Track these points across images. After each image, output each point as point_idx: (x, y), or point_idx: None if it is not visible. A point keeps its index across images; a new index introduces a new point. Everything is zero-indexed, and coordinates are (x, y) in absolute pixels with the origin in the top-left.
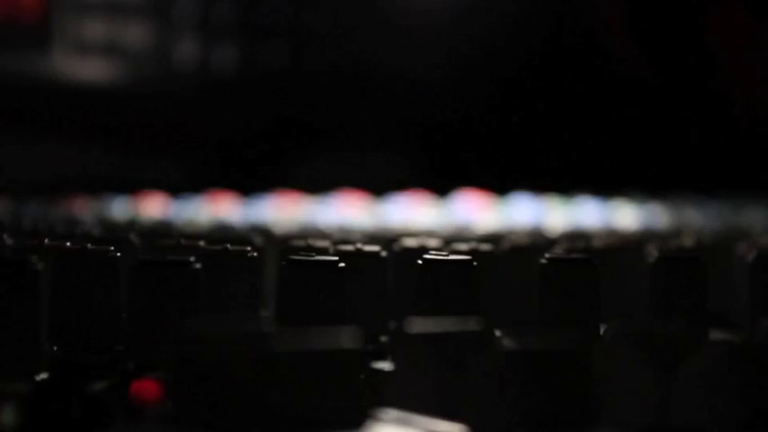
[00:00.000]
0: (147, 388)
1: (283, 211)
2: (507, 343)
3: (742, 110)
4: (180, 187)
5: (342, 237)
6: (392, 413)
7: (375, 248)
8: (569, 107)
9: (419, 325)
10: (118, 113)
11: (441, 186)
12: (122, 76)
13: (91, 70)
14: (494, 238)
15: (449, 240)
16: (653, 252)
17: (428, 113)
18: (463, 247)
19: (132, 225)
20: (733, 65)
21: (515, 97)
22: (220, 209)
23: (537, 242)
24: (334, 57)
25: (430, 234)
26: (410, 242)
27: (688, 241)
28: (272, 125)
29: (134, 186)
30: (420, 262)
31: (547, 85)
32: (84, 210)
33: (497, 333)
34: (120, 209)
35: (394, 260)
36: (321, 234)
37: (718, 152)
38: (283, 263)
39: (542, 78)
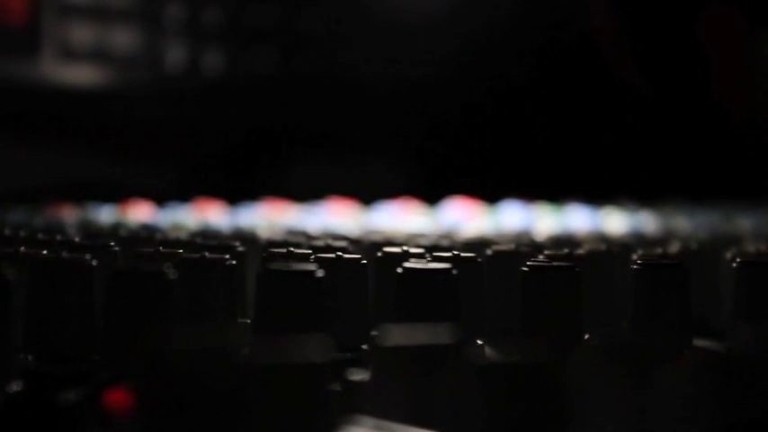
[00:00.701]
0: (119, 398)
1: (270, 218)
2: (487, 353)
3: (736, 116)
4: (167, 195)
5: (325, 244)
6: (368, 421)
7: (356, 256)
8: (561, 115)
9: (396, 334)
10: (106, 118)
11: (431, 195)
12: (111, 81)
13: (79, 75)
14: (478, 244)
15: (433, 247)
16: (638, 259)
17: (418, 121)
18: (446, 253)
19: (115, 232)
20: (727, 71)
21: (507, 105)
22: (207, 216)
23: (521, 248)
24: (323, 63)
25: (414, 240)
26: (393, 249)
27: (674, 248)
28: (262, 132)
29: (121, 194)
30: (399, 270)
31: (539, 93)
32: (69, 217)
33: (478, 342)
34: (105, 216)
35: (376, 267)
36: (304, 241)
37: (710, 159)
38: (259, 272)
39: (534, 86)
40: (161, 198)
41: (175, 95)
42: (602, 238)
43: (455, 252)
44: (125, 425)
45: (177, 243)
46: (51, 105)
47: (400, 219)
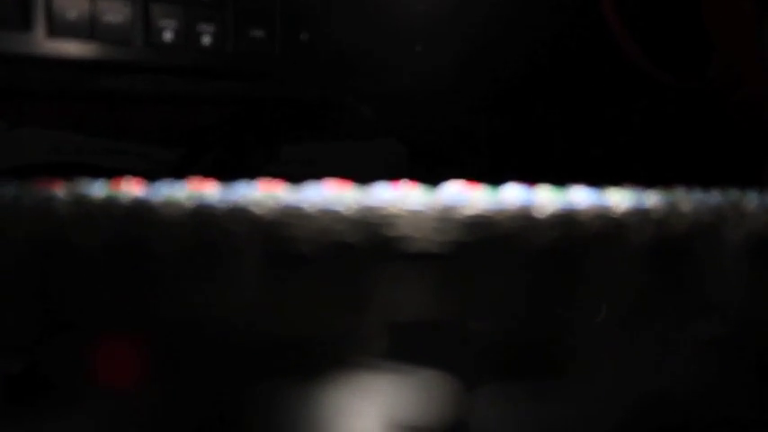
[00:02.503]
0: (117, 361)
1: (266, 196)
2: (479, 331)
3: (741, 102)
4: (159, 172)
5: (324, 226)
6: (379, 362)
7: (356, 240)
8: (563, 95)
9: (395, 317)
10: (98, 93)
11: (429, 177)
12: (103, 55)
13: (71, 49)
14: (479, 225)
15: (433, 228)
16: (644, 239)
17: (416, 102)
18: (446, 236)
19: (108, 211)
20: (734, 57)
21: (508, 86)
22: (201, 194)
23: (524, 230)
24: (321, 38)
25: (414, 222)
26: (393, 232)
27: (681, 228)
28: (257, 108)
29: (113, 171)
30: (402, 252)
31: (543, 75)
32: (60, 194)
33: (475, 324)
34: (98, 193)
35: (376, 251)
36: (304, 222)
37: (716, 140)
38: (261, 260)
39: (539, 67)
40: (153, 175)
41: (169, 70)
42: (605, 217)
43: (456, 233)
44: (124, 396)
45: (173, 223)
46: (43, 80)
47: (397, 200)
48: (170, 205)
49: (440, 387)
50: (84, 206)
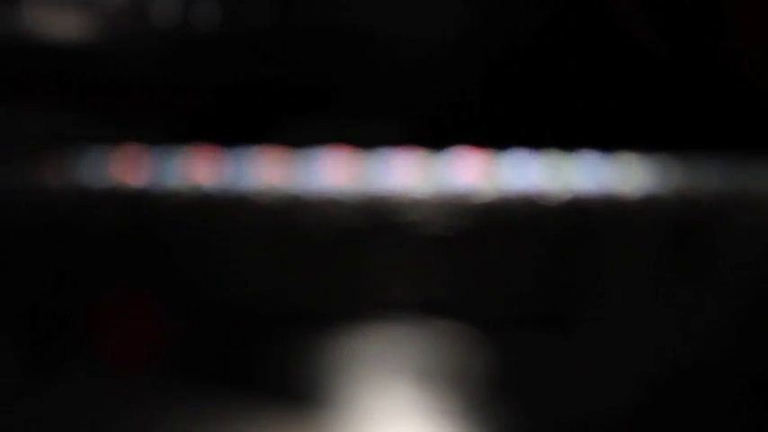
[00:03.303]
0: (126, 335)
1: (267, 177)
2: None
3: (754, 70)
4: (158, 148)
5: (327, 211)
6: (394, 312)
7: (361, 226)
8: (572, 58)
9: (400, 304)
10: (90, 73)
11: (433, 145)
12: (96, 34)
13: (61, 27)
14: (485, 211)
15: (438, 213)
16: (659, 220)
17: (420, 70)
18: (451, 221)
19: (109, 198)
20: (747, 29)
21: (513, 49)
22: (200, 173)
23: (531, 216)
24: (322, 13)
25: (419, 206)
26: (398, 217)
27: (696, 208)
28: (256, 84)
29: (110, 148)
30: (406, 240)
31: (549, 39)
32: (56, 177)
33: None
34: (95, 175)
35: (381, 236)
36: (307, 207)
37: (732, 111)
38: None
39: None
40: (152, 151)
41: (166, 47)
42: (617, 197)
43: (461, 218)
44: (135, 372)
45: (175, 209)
46: (31, 59)
47: (402, 174)
48: (171, 197)
49: (459, 337)
50: (88, 191)
